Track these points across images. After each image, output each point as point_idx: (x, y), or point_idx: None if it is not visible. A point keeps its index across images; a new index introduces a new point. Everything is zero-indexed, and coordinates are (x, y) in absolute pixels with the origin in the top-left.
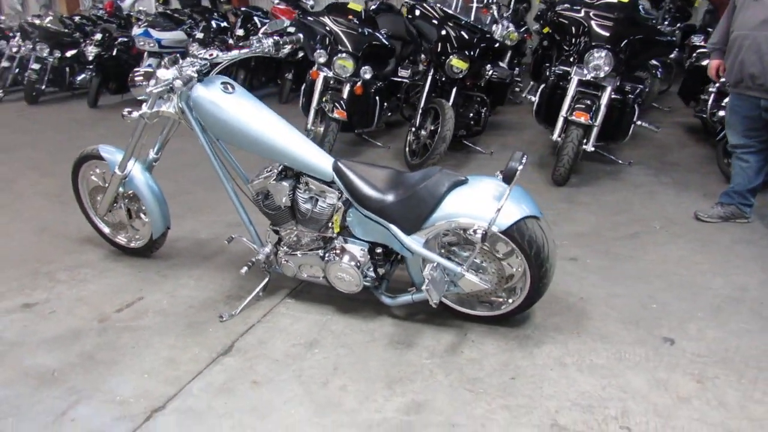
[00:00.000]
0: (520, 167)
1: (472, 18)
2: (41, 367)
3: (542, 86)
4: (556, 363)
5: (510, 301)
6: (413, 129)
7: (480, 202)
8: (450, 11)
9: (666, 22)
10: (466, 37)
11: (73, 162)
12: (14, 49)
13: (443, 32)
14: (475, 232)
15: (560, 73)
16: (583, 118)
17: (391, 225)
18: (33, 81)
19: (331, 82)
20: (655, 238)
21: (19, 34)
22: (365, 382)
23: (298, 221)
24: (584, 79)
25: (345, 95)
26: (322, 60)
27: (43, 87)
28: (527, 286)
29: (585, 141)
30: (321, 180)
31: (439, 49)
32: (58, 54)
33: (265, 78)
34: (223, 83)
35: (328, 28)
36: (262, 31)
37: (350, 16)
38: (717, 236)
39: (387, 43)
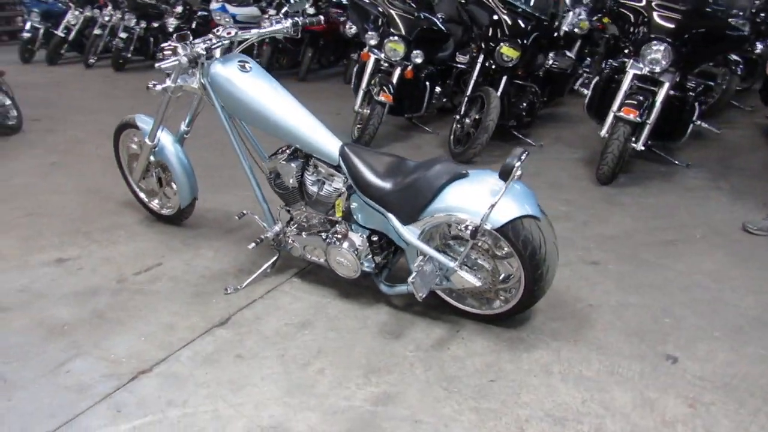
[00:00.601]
0: (518, 164)
1: (532, 3)
2: (55, 319)
3: (596, 79)
4: (542, 370)
5: (504, 301)
6: (458, 116)
7: (477, 197)
8: None
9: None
10: (519, 24)
11: (115, 129)
12: (106, 18)
13: (495, 17)
14: (466, 227)
15: (616, 65)
16: (631, 115)
17: (389, 213)
18: (120, 49)
19: (382, 64)
20: (691, 247)
21: (110, 4)
22: (344, 368)
23: (306, 203)
24: (640, 73)
25: (395, 79)
26: (373, 42)
27: (129, 55)
28: (521, 289)
29: (635, 139)
30: (329, 164)
31: (489, 36)
32: (144, 24)
33: (334, 57)
34: (240, 61)
35: (381, 10)
36: (283, 11)
37: None
38: (762, 251)
39: (442, 27)
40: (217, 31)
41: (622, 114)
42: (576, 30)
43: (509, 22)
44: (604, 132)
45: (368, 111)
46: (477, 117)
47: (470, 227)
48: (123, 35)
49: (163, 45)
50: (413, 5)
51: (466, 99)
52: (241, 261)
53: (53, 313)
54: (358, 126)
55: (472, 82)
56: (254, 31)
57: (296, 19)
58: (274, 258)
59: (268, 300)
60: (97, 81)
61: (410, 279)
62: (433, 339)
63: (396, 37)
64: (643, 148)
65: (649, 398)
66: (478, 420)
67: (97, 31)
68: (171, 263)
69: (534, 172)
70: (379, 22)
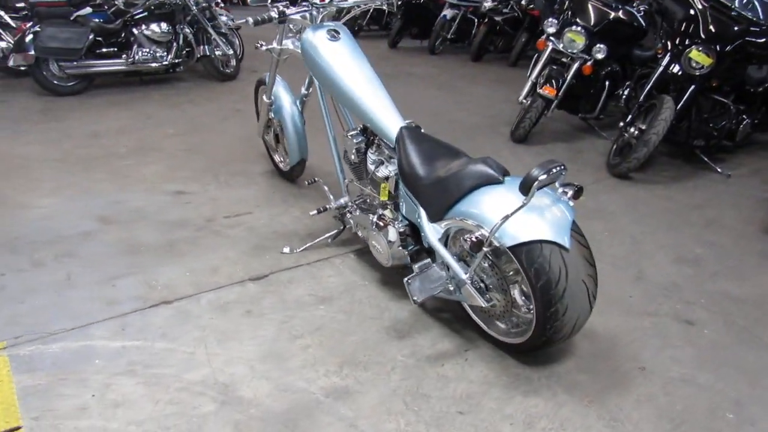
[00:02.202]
0: (543, 177)
1: (752, 6)
2: (138, 240)
3: None
4: (525, 421)
5: (518, 333)
6: (622, 123)
7: (498, 207)
8: None
9: None
10: (721, 25)
11: (255, 85)
12: None
13: (691, 12)
14: (472, 237)
15: None
16: None
17: (420, 207)
18: (355, 18)
19: (560, 56)
20: None
21: None
22: (327, 351)
23: (369, 181)
24: None
25: (570, 73)
26: (551, 30)
27: (363, 23)
28: (533, 323)
29: None
30: (389, 144)
31: (679, 35)
32: None
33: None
34: (331, 30)
35: None
36: None
37: None
38: None
39: (641, 22)
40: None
41: None
42: None
43: (707, 20)
44: None
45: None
46: (643, 128)
47: (475, 237)
48: None
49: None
50: None
51: (636, 105)
52: (317, 227)
53: (141, 234)
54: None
55: (648, 86)
56: (351, 0)
57: None
58: (338, 230)
59: (312, 268)
60: None
61: (406, 279)
62: (434, 350)
63: (577, 27)
64: None
65: None
66: None
67: None
68: (259, 214)
69: (696, 204)
70: (563, 8)
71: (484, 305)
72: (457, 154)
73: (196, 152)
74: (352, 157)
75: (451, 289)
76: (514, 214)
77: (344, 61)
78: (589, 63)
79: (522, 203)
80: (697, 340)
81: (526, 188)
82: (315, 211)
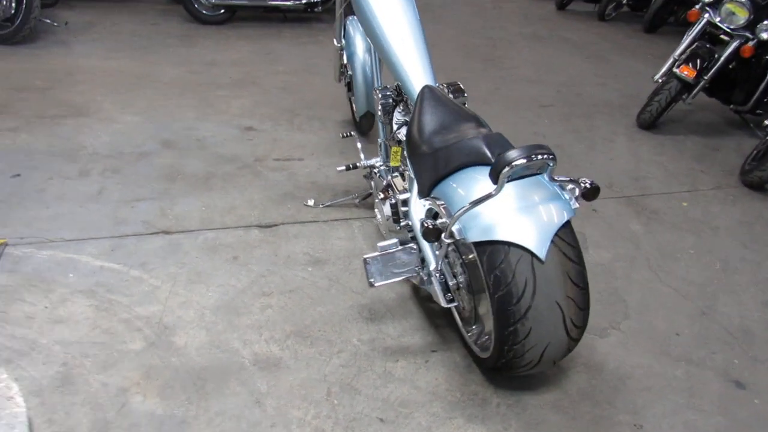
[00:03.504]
0: (516, 163)
1: None
2: (182, 168)
3: None
4: None
5: (482, 347)
6: (765, 123)
7: (475, 194)
8: None
9: None
10: None
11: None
12: None
13: None
14: (430, 224)
15: None
16: None
17: (414, 178)
18: None
19: (717, 31)
20: None
21: None
22: (285, 317)
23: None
24: None
25: (725, 54)
26: None
27: None
28: (492, 340)
29: None
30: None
31: None
32: None
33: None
34: None
35: None
36: None
37: None
38: None
39: None
40: None
41: None
42: None
43: None
44: None
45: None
46: None
47: (432, 224)
48: None
49: None
50: None
51: None
52: (353, 185)
53: (189, 163)
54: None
55: None
56: None
57: None
58: (367, 192)
59: (326, 227)
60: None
61: (366, 257)
62: (397, 343)
63: None
64: None
65: None
66: None
67: None
68: (309, 162)
69: None
70: None
71: (443, 305)
72: (471, 124)
73: (289, 91)
74: (379, 114)
75: (424, 278)
76: (480, 205)
77: (387, 7)
78: (750, 43)
79: (489, 193)
80: (737, 409)
81: (494, 175)
82: (343, 167)
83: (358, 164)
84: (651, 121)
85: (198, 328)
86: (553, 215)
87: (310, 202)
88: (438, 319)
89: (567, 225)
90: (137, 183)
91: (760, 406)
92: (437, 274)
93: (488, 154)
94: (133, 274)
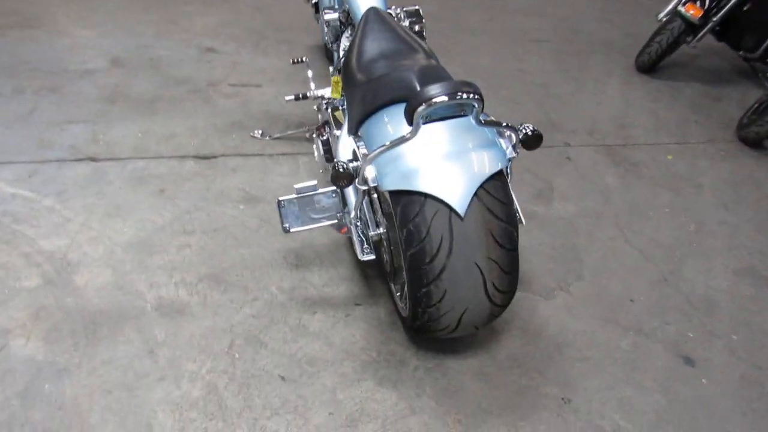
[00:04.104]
0: (437, 99)
1: None
2: (129, 89)
3: None
4: (351, 419)
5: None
6: None
7: (395, 136)
8: None
9: None
10: None
11: None
12: None
13: None
14: (340, 167)
15: None
16: None
17: (347, 111)
18: None
19: None
20: None
21: None
22: (202, 259)
23: None
24: None
25: None
26: None
27: None
28: (408, 301)
29: None
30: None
31: None
32: None
33: None
34: None
35: None
36: None
37: None
38: None
39: None
40: None
41: None
42: None
43: None
44: None
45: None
46: None
47: (342, 167)
48: None
49: None
50: None
51: None
52: (309, 118)
53: (136, 84)
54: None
55: None
56: None
57: None
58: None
59: (270, 161)
60: None
61: (281, 198)
62: (319, 293)
63: None
64: None
65: None
66: (192, 404)
67: None
68: (267, 89)
69: None
70: None
71: (360, 257)
72: (415, 54)
73: (262, 12)
74: (326, 39)
75: (347, 227)
76: (396, 149)
77: None
78: None
79: (404, 136)
80: (681, 387)
81: (408, 115)
82: (292, 97)
83: (308, 94)
84: (650, 64)
85: (104, 267)
86: (481, 165)
87: (257, 133)
88: (370, 269)
89: (497, 177)
90: (74, 103)
91: (707, 386)
92: (356, 223)
93: (417, 89)
94: (45, 203)
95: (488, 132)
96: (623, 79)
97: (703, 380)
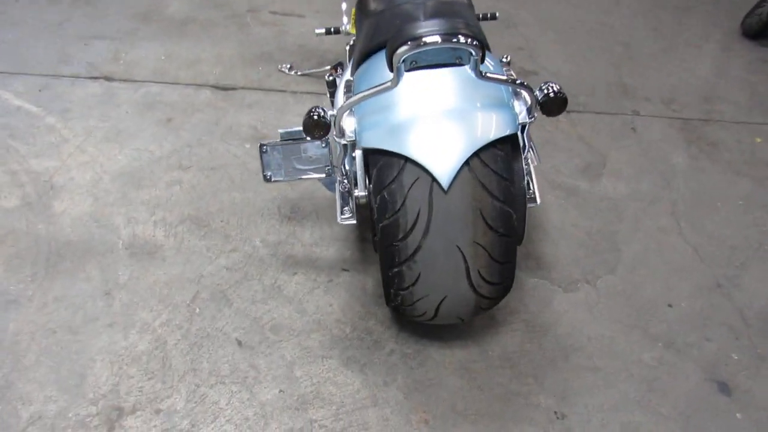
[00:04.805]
0: (428, 40)
1: None
2: (165, 6)
3: None
4: (301, 401)
5: None
6: None
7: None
8: None
9: None
10: None
11: None
12: None
13: None
14: (315, 113)
15: None
16: None
17: (354, 49)
18: None
19: None
20: None
21: None
22: (190, 199)
23: None
24: None
25: None
26: None
27: None
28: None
29: None
30: None
31: None
32: None
33: None
34: None
35: None
36: None
37: None
38: None
39: None
40: None
41: None
42: None
43: None
44: None
45: None
46: None
47: (318, 113)
48: None
49: None
50: None
51: None
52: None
53: (173, 3)
54: None
55: None
56: None
57: None
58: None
59: (291, 99)
60: None
61: (263, 143)
62: (305, 252)
63: None
64: None
65: None
66: (134, 358)
67: None
68: (308, 20)
69: None
70: None
71: (338, 219)
72: None
73: None
74: None
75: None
76: (376, 99)
77: None
78: None
79: (386, 83)
80: (707, 422)
81: (388, 59)
82: (323, 30)
83: (340, 29)
84: (758, 28)
85: (86, 195)
86: (481, 128)
87: (285, 67)
88: (369, 233)
89: (500, 145)
90: (106, 18)
91: (741, 423)
92: (342, 180)
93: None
94: (48, 121)
95: (499, 89)
96: (722, 44)
97: (737, 415)
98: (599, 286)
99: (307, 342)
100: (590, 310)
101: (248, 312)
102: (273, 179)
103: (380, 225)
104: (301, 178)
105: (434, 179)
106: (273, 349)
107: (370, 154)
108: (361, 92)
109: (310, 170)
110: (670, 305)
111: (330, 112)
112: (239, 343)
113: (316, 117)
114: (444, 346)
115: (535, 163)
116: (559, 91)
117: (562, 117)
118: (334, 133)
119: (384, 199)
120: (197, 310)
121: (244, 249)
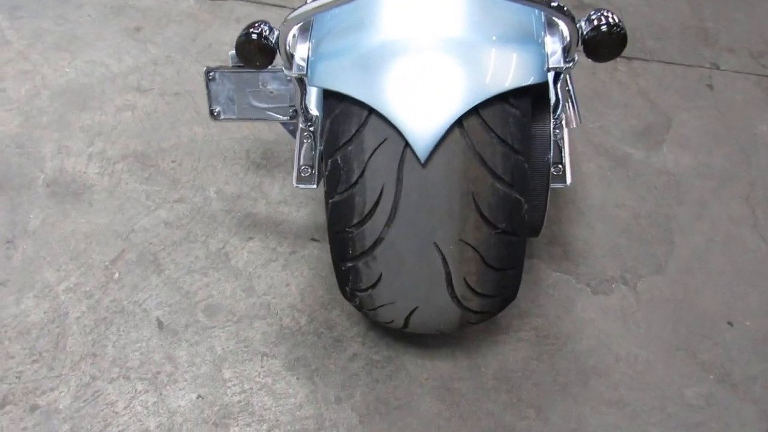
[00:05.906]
0: None
1: None
2: None
3: None
4: (211, 372)
5: None
6: None
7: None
8: None
9: None
10: None
11: None
12: None
13: None
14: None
15: None
16: None
17: None
18: None
19: None
20: None
21: None
22: (142, 128)
23: None
24: None
25: None
26: None
27: None
28: None
29: None
30: None
31: None
32: None
33: None
34: None
35: None
36: None
37: None
38: None
39: None
40: None
41: None
42: None
43: None
44: None
45: None
46: None
47: (264, 36)
48: None
49: None
50: None
51: None
52: None
53: None
54: None
55: None
56: None
57: None
58: None
59: None
60: None
61: (209, 69)
62: (268, 213)
63: None
64: None
65: None
66: (22, 332)
67: None
68: None
69: None
70: None
71: (293, 181)
72: None
73: None
74: None
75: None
76: (326, 7)
77: None
78: None
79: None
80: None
81: None
82: None
83: None
84: None
85: (16, 113)
86: (488, 70)
87: None
88: None
89: (515, 98)
90: None
91: None
92: (307, 127)
93: None
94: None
95: (526, 15)
96: None
97: None
98: (640, 290)
99: (248, 332)
100: (624, 321)
101: (180, 284)
102: (222, 116)
103: (330, 200)
104: (257, 118)
105: (407, 144)
106: (202, 337)
107: (324, 98)
108: (311, 4)
109: (270, 109)
110: (730, 323)
111: (296, 57)
112: (160, 324)
113: (255, 37)
114: (423, 355)
115: (573, 125)
116: (616, 25)
117: (621, 64)
118: (286, 66)
119: (336, 166)
120: (116, 275)
121: (194, 200)
